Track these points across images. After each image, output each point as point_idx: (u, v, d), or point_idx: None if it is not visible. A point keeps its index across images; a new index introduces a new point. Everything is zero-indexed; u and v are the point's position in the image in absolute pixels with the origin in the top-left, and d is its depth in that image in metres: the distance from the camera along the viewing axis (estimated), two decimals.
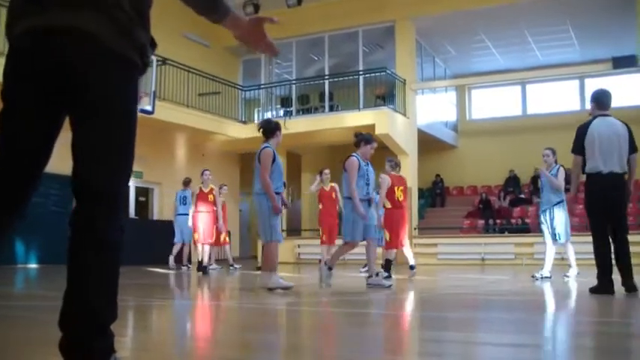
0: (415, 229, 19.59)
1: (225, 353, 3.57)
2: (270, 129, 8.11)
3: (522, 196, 22.78)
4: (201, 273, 12.63)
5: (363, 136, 8.91)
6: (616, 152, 7.11)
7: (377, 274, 8.71)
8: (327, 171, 13.48)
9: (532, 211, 21.89)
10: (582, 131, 7.30)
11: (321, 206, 13.32)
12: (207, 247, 13.49)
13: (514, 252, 18.75)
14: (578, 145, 7.28)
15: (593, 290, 7.00)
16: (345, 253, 9.20)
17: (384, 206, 10.72)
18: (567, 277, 10.38)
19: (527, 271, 12.89)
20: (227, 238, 15.84)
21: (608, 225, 7.08)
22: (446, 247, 18.90)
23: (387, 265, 10.53)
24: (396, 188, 10.65)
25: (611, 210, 7.11)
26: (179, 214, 14.73)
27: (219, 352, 3.67)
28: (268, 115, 22.81)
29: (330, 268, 8.76)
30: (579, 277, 10.20)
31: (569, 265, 10.57)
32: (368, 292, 7.98)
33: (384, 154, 20.39)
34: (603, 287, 6.88)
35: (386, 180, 10.63)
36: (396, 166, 10.97)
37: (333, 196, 13.15)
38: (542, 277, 10.14)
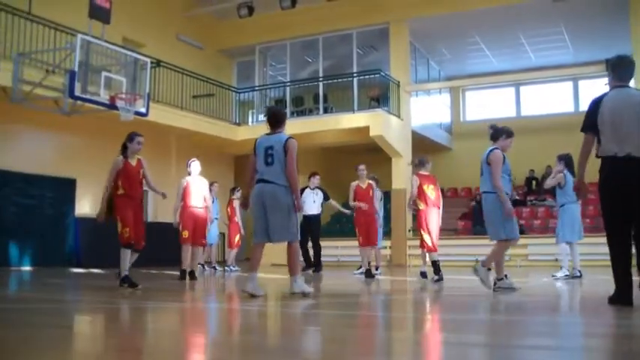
0: (409, 230, 19.59)
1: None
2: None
3: (516, 197, 22.80)
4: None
5: (504, 129, 8.48)
6: (636, 131, 5.85)
7: (506, 276, 8.28)
8: (362, 167, 12.74)
9: (526, 212, 21.94)
10: (594, 105, 6.13)
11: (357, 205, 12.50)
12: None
13: (509, 254, 18.73)
14: (588, 122, 6.15)
15: (612, 300, 5.82)
16: (502, 254, 8.43)
17: (418, 208, 10.62)
18: (555, 276, 10.74)
19: (522, 272, 12.91)
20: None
21: (626, 221, 5.85)
22: (440, 248, 18.78)
23: (437, 267, 10.53)
24: (425, 187, 10.55)
25: (629, 202, 5.80)
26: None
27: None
28: (262, 117, 22.82)
29: (489, 269, 8.11)
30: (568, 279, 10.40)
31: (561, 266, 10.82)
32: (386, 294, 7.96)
33: (378, 156, 20.51)
34: (622, 297, 5.73)
35: (415, 180, 10.57)
36: (424, 164, 10.77)
37: (370, 194, 12.61)
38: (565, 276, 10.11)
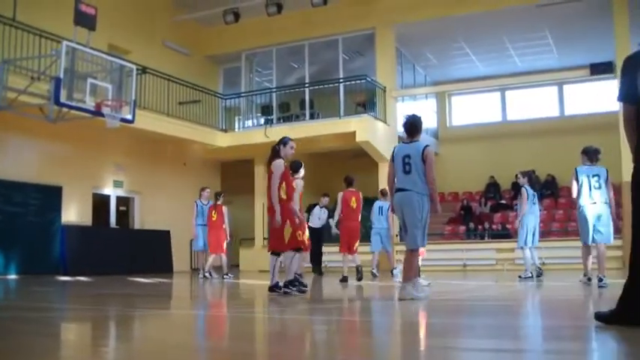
0: (397, 235, 19.60)
1: None
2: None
3: (503, 201, 22.89)
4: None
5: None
6: None
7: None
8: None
9: (513, 216, 22.00)
10: (632, 64, 4.73)
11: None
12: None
13: (495, 257, 18.86)
14: (627, 87, 4.70)
15: (611, 318, 4.54)
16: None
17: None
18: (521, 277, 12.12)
19: (509, 276, 12.99)
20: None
21: None
22: (427, 253, 18.80)
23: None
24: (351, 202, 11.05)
25: None
26: (204, 225, 15.42)
27: None
28: (249, 123, 22.82)
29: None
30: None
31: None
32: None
33: (364, 161, 20.54)
34: (628, 314, 4.45)
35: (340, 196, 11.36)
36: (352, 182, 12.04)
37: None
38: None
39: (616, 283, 6.91)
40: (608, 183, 9.74)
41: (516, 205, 13.43)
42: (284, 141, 8.96)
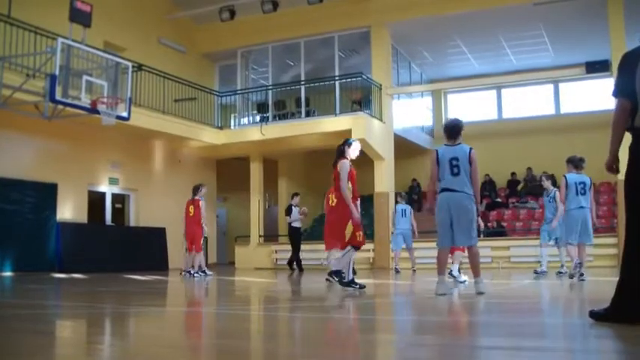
0: (392, 233, 19.63)
1: None
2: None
3: (498, 199, 22.93)
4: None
5: None
6: None
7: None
8: None
9: (508, 214, 22.06)
10: (631, 59, 4.71)
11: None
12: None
13: (491, 255, 18.86)
14: (624, 82, 4.71)
15: (605, 316, 4.56)
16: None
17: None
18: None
19: (505, 274, 13.00)
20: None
21: None
22: (423, 251, 18.91)
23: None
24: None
25: None
26: None
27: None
28: (245, 120, 22.81)
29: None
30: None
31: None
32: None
33: (360, 159, 20.48)
34: (621, 312, 4.49)
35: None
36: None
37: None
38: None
39: (608, 280, 6.97)
40: (591, 190, 10.74)
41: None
42: (349, 142, 9.33)
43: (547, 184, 13.24)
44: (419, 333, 4.93)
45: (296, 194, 18.62)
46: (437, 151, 7.88)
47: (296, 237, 18.35)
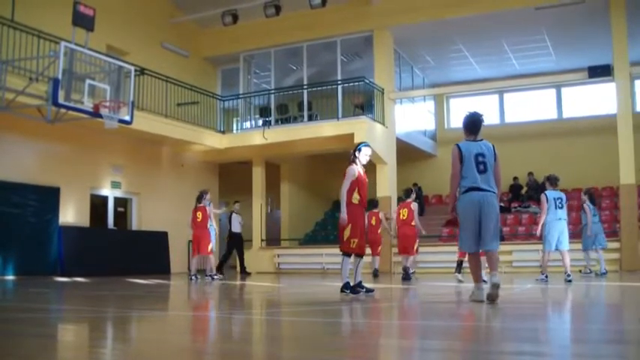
0: (395, 237, 19.61)
1: None
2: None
3: (501, 204, 22.88)
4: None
5: None
6: None
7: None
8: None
9: (510, 219, 22.02)
10: None
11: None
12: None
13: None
14: None
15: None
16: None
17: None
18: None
19: (506, 279, 12.97)
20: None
21: None
22: (425, 255, 18.90)
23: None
24: None
25: None
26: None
27: None
28: (247, 124, 22.81)
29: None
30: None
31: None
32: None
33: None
34: None
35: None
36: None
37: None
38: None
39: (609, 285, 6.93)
40: (566, 205, 12.35)
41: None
42: (359, 147, 9.26)
43: (584, 197, 14.92)
44: (428, 338, 4.92)
45: (237, 202, 19.56)
46: (458, 146, 7.32)
47: (237, 242, 19.41)
